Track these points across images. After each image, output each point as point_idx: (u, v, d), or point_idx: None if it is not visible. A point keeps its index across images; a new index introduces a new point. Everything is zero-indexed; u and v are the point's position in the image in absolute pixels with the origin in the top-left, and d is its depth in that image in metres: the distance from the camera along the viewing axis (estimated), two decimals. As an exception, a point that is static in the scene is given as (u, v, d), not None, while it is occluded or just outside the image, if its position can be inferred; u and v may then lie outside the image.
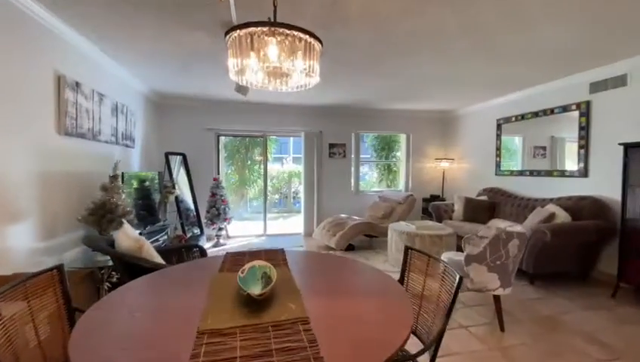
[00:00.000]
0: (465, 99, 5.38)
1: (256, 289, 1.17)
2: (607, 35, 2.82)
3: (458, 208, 5.08)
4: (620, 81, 3.53)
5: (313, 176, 6.09)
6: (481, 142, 5.69)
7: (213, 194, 5.23)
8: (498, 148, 5.31)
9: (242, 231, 6.26)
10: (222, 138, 6.06)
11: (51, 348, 1.22)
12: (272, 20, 1.19)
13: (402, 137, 6.88)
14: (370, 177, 8.84)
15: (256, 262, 1.35)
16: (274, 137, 9.03)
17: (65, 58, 2.81)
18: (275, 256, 1.73)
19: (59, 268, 1.33)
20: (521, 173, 4.90)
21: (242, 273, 1.26)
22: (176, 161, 5.31)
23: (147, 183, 4.14)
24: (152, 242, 3.77)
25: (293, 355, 0.83)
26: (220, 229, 5.29)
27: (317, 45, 1.22)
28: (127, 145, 4.05)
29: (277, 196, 10.28)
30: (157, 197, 4.38)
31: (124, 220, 2.35)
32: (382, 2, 2.26)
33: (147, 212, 4.00)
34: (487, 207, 4.93)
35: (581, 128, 3.97)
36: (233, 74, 1.30)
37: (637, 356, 2.22)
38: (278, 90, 1.46)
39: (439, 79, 4.20)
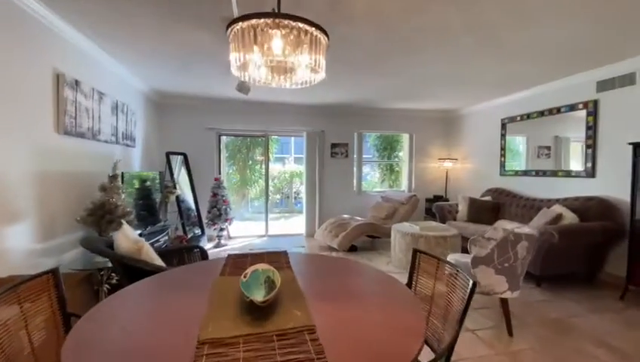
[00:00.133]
0: (469, 98, 5.32)
1: (259, 295, 1.11)
2: (615, 33, 2.76)
3: (462, 209, 5.02)
4: (629, 80, 3.47)
5: (315, 176, 6.04)
6: (486, 142, 5.62)
7: (215, 195, 5.18)
8: (503, 148, 5.24)
9: (243, 232, 6.21)
10: (223, 138, 6.01)
11: (45, 356, 1.17)
12: (277, 11, 1.13)
13: (405, 137, 6.82)
14: (372, 177, 8.79)
15: (259, 266, 1.30)
16: (275, 137, 8.99)
17: (64, 56, 2.77)
18: (278, 258, 1.67)
19: (54, 271, 1.28)
20: (525, 173, 4.83)
21: (245, 277, 1.21)
22: (177, 161, 5.27)
23: (148, 183, 4.10)
24: (152, 243, 3.74)
25: (299, 368, 0.78)
26: (222, 230, 5.25)
27: (323, 38, 1.17)
28: (127, 145, 4.01)
29: (278, 196, 10.24)
30: (158, 197, 4.33)
31: (123, 221, 2.30)
32: (386, 0, 2.21)
33: (148, 212, 3.96)
34: (492, 207, 4.86)
35: (588, 128, 3.90)
36: (235, 69, 1.25)
37: (649, 361, 2.16)
38: (281, 87, 1.41)
39: (443, 78, 4.15)
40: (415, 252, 1.57)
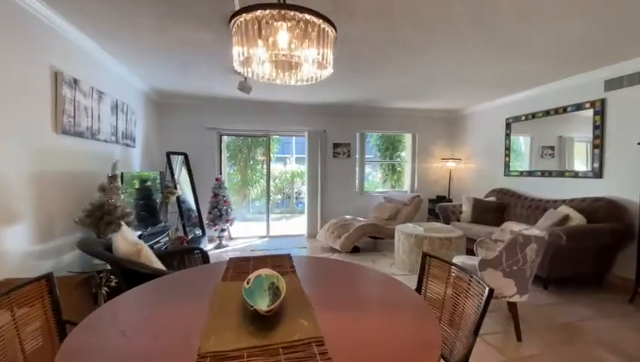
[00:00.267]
0: (473, 98, 5.25)
1: (263, 304, 1.05)
2: (623, 31, 2.71)
3: (466, 209, 4.95)
4: (637, 79, 3.40)
5: (317, 177, 5.98)
6: (490, 142, 5.55)
7: (215, 195, 5.12)
8: (507, 148, 5.17)
9: (245, 233, 6.16)
10: (224, 137, 5.95)
11: (39, 366, 1.11)
12: (282, 1, 1.07)
13: (407, 137, 6.75)
14: (373, 177, 8.73)
15: (263, 271, 1.24)
16: (276, 137, 8.93)
17: (62, 54, 2.71)
18: (281, 262, 1.61)
19: (48, 277, 1.22)
20: (530, 173, 4.76)
21: (248, 283, 1.15)
22: (177, 161, 5.21)
23: (148, 183, 4.05)
24: (153, 244, 3.69)
25: (308, 385, 0.72)
26: (222, 230, 5.19)
27: (331, 31, 1.10)
28: (127, 145, 3.95)
29: (279, 196, 10.18)
30: (158, 197, 4.28)
31: (122, 222, 2.25)
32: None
33: (148, 213, 3.90)
34: (496, 208, 4.80)
35: (595, 127, 3.84)
36: (238, 64, 1.19)
37: (664, 368, 2.10)
38: (285, 84, 1.35)
39: (448, 78, 4.08)
40: (425, 256, 1.51)
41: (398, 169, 8.00)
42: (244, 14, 1.04)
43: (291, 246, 5.26)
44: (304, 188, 6.24)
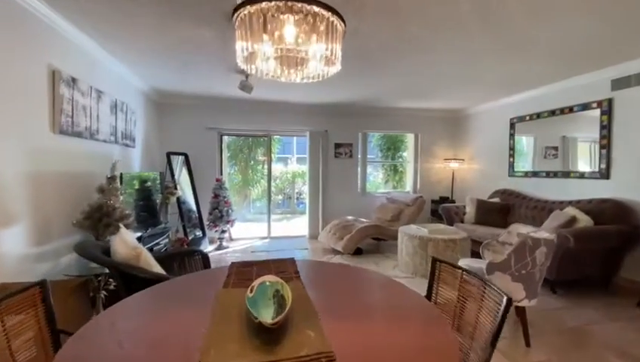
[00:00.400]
0: (477, 97, 5.19)
1: (268, 314, 0.99)
2: (631, 30, 2.65)
3: (470, 210, 4.89)
4: (646, 78, 3.34)
5: (318, 177, 5.92)
6: (493, 142, 5.49)
7: (216, 196, 5.06)
8: (511, 149, 5.11)
9: (245, 233, 6.10)
10: (225, 137, 5.90)
11: (31, 379, 1.05)
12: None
13: (409, 137, 6.70)
14: (375, 178, 8.67)
15: (267, 278, 1.18)
16: (277, 137, 8.88)
17: (60, 52, 2.66)
18: (285, 267, 1.55)
19: (41, 284, 1.16)
20: (535, 174, 4.70)
21: (251, 292, 1.09)
22: (178, 161, 5.16)
23: (148, 184, 3.99)
24: (153, 245, 3.64)
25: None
26: (223, 232, 5.13)
27: (340, 25, 1.04)
28: (127, 145, 3.90)
29: (280, 197, 10.13)
30: (158, 198, 4.23)
31: (121, 225, 2.19)
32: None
33: (148, 213, 3.85)
34: (501, 209, 4.74)
35: (602, 127, 3.77)
36: (241, 60, 1.13)
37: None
38: (290, 81, 1.28)
39: (453, 77, 4.02)
40: (435, 261, 1.44)
41: (400, 169, 7.94)
42: (249, 7, 0.98)
43: (293, 248, 5.20)
44: (305, 189, 6.18)
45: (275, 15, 0.95)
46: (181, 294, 1.32)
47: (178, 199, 4.74)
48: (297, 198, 10.11)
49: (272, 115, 5.71)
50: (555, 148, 4.53)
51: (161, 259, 2.38)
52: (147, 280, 1.68)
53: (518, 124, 5.00)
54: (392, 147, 8.09)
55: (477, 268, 2.55)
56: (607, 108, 3.72)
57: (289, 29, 0.99)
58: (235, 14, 1.06)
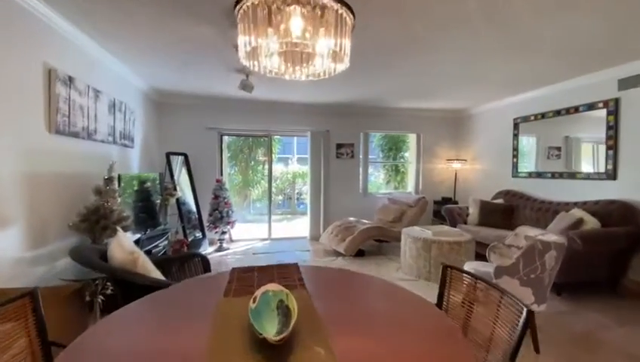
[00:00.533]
0: (481, 97, 5.13)
1: (272, 327, 0.93)
2: (638, 28, 2.58)
3: (473, 212, 4.82)
4: (654, 77, 3.27)
5: (320, 178, 5.85)
6: (497, 143, 5.42)
7: (216, 197, 5.00)
8: (515, 149, 5.05)
9: (246, 235, 6.03)
10: (225, 137, 5.83)
11: (19, 395, 0.99)
12: (296, -17, 0.95)
13: (411, 137, 6.63)
14: (376, 178, 8.60)
15: (270, 287, 1.12)
16: (278, 137, 8.81)
17: (56, 50, 2.59)
18: (288, 273, 1.49)
19: (32, 293, 1.10)
20: (540, 174, 4.63)
21: (254, 302, 1.02)
22: (177, 162, 5.09)
23: (147, 185, 3.92)
24: (152, 248, 3.57)
25: None
26: (223, 233, 5.06)
27: (349, 19, 0.98)
28: (125, 145, 3.83)
29: (280, 197, 10.06)
30: (157, 199, 4.16)
31: (118, 228, 2.12)
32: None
33: (147, 215, 3.78)
34: (504, 210, 4.67)
35: (609, 127, 3.71)
36: (243, 55, 1.06)
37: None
38: (295, 79, 1.22)
39: (458, 76, 3.96)
40: (445, 268, 1.38)
41: (402, 170, 7.88)
42: (252, -2, 0.92)
43: (294, 249, 5.13)
44: (305, 189, 6.13)
45: (281, 7, 0.88)
46: (180, 303, 1.26)
47: (178, 200, 4.67)
48: (298, 199, 10.05)
49: (273, 114, 5.64)
50: (558, 149, 4.48)
51: (159, 263, 2.32)
52: (145, 287, 1.62)
53: (522, 124, 4.93)
54: (393, 147, 8.03)
55: (484, 271, 2.49)
56: (613, 108, 3.65)
57: (296, 21, 0.92)
58: (238, 6, 1.00)
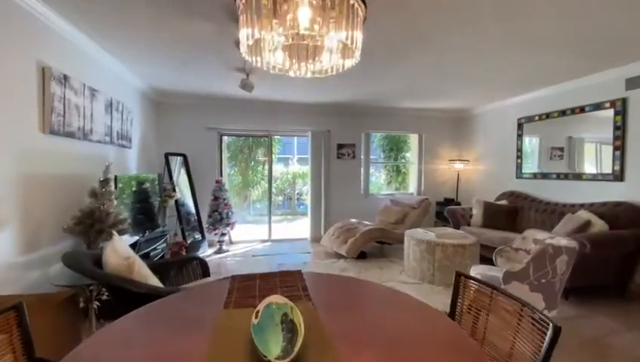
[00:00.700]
0: (484, 96, 5.05)
1: (277, 345, 0.85)
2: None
3: (477, 213, 4.75)
4: (662, 77, 3.20)
5: (320, 178, 5.77)
6: (500, 143, 5.35)
7: (216, 198, 4.92)
8: (519, 150, 4.97)
9: (246, 236, 5.95)
10: (224, 138, 5.75)
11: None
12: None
13: (412, 137, 6.56)
14: (377, 178, 8.52)
15: (273, 299, 1.04)
16: (278, 137, 8.73)
17: (50, 48, 2.51)
18: (292, 281, 1.41)
19: (17, 307, 1.02)
20: (545, 175, 4.56)
21: (256, 317, 0.95)
22: (176, 162, 5.01)
23: (145, 186, 3.84)
24: (150, 250, 3.49)
25: None
26: (223, 235, 4.98)
27: (361, 9, 0.90)
28: (123, 146, 3.75)
29: (280, 198, 9.98)
30: (156, 200, 4.08)
31: (114, 231, 2.04)
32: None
33: (145, 216, 3.71)
34: (509, 212, 4.60)
35: (616, 128, 3.64)
36: (245, 49, 0.98)
37: None
38: (299, 76, 1.14)
39: (463, 75, 3.88)
40: (459, 276, 1.30)
41: (403, 170, 7.80)
42: (255, -14, 0.84)
43: (294, 251, 5.06)
44: (305, 189, 6.05)
45: (287, -5, 0.81)
46: (177, 315, 1.18)
47: (176, 201, 4.59)
48: (298, 199, 9.97)
49: (273, 114, 5.57)
50: (561, 150, 4.42)
51: (157, 267, 2.25)
52: (140, 295, 1.54)
53: (527, 125, 4.86)
54: (394, 148, 7.96)
55: (491, 276, 2.42)
56: (621, 108, 3.58)
57: (304, 11, 0.84)
58: (239, -5, 0.92)
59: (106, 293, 2.31)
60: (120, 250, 1.78)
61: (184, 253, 4.34)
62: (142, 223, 3.57)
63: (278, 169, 10.00)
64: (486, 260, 3.83)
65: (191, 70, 3.75)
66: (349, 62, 1.05)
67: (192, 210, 5.12)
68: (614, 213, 3.39)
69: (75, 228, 2.26)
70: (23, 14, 2.20)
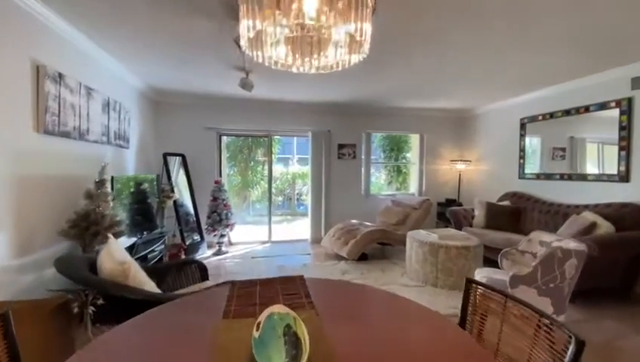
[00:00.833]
0: (486, 96, 5.00)
1: (279, 360, 0.79)
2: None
3: (479, 214, 4.69)
4: (669, 76, 3.15)
5: (321, 179, 5.71)
6: (502, 143, 5.30)
7: (215, 199, 4.85)
8: (522, 150, 4.92)
9: (245, 237, 5.88)
10: (224, 137, 5.68)
11: None
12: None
13: (413, 137, 6.50)
14: (377, 179, 8.46)
15: (275, 309, 0.98)
16: (277, 137, 8.66)
17: (45, 45, 2.45)
18: (294, 287, 1.35)
19: (2, 316, 0.96)
20: (549, 176, 4.50)
21: (257, 329, 0.89)
22: (175, 163, 4.95)
23: (143, 187, 3.78)
24: (148, 252, 3.43)
25: None
26: (222, 236, 4.92)
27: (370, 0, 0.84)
28: (120, 146, 3.68)
29: (280, 198, 9.91)
30: (154, 201, 4.01)
31: (109, 235, 1.98)
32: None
33: (143, 218, 3.64)
34: (511, 212, 4.55)
35: (622, 128, 3.58)
36: (245, 41, 0.92)
37: None
38: (303, 72, 1.08)
39: (466, 74, 3.82)
40: (469, 283, 1.24)
41: (404, 170, 7.74)
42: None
43: (295, 253, 5.00)
44: (305, 190, 5.98)
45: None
46: (173, 326, 1.11)
47: (175, 202, 4.53)
48: (297, 200, 9.90)
49: (273, 114, 5.50)
50: (563, 150, 4.38)
51: (154, 271, 2.19)
52: (136, 301, 1.48)
53: (529, 125, 4.81)
54: (395, 148, 7.90)
55: (497, 280, 2.37)
56: (626, 108, 3.53)
57: (309, 0, 0.78)
58: (239, -17, 0.86)
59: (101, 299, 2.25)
60: (115, 255, 1.71)
61: (183, 255, 4.28)
62: (140, 225, 3.51)
63: (277, 169, 9.94)
64: (489, 262, 3.77)
65: (190, 69, 3.69)
66: (356, 58, 0.99)
67: (191, 210, 5.05)
68: (620, 215, 3.34)
69: (69, 231, 2.20)
70: (16, 11, 2.14)
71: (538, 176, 4.68)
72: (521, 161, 4.95)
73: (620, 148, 3.60)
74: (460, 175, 6.06)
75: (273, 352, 0.83)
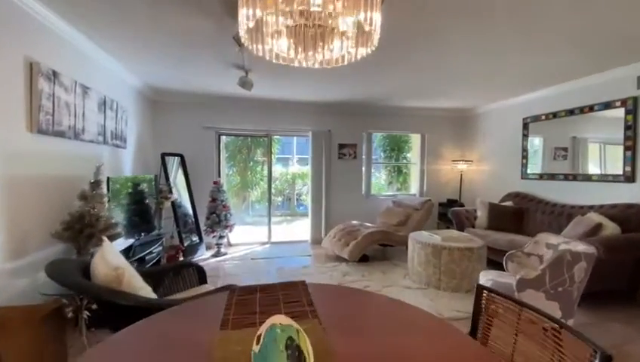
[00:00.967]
0: (488, 95, 4.94)
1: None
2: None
3: (481, 215, 4.64)
4: (676, 74, 3.09)
5: (321, 179, 5.65)
6: (505, 143, 5.24)
7: (214, 199, 4.79)
8: (525, 150, 4.86)
9: (244, 238, 5.81)
10: (223, 137, 5.62)
11: None
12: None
13: (414, 137, 6.45)
14: (377, 179, 8.40)
15: (276, 319, 0.91)
16: (277, 137, 8.60)
17: (39, 42, 2.38)
18: (296, 294, 1.29)
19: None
20: (553, 176, 4.44)
21: (257, 343, 0.82)
22: (173, 163, 4.88)
23: (140, 187, 3.71)
24: (145, 254, 3.36)
25: None
26: (221, 237, 4.85)
27: (380, -14, 0.78)
28: (117, 146, 3.62)
29: (280, 199, 9.85)
30: (152, 202, 3.95)
31: (104, 237, 1.91)
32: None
33: (140, 219, 3.57)
34: (514, 213, 4.49)
35: (627, 127, 3.53)
36: (245, 32, 0.85)
37: None
38: (306, 66, 1.01)
39: (468, 73, 3.77)
40: (481, 290, 1.18)
41: (404, 170, 7.69)
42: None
43: (295, 254, 4.93)
44: (305, 190, 5.92)
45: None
46: (168, 338, 1.04)
47: (173, 203, 4.46)
48: (297, 200, 9.84)
49: (273, 113, 5.44)
50: (565, 150, 4.33)
51: (150, 274, 2.12)
52: (130, 308, 1.42)
53: (532, 124, 4.75)
54: (395, 148, 7.84)
55: (504, 283, 2.31)
56: (632, 107, 3.47)
57: (314, -15, 0.72)
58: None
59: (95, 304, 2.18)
60: (109, 259, 1.65)
61: (181, 257, 4.21)
62: (137, 226, 3.44)
63: (277, 169, 9.88)
64: (492, 263, 3.71)
65: (188, 67, 3.63)
66: (363, 50, 0.93)
67: (190, 211, 4.98)
68: (626, 216, 3.28)
69: (63, 233, 2.13)
70: (8, 6, 2.07)
71: (541, 177, 4.62)
72: (524, 161, 4.89)
73: (626, 148, 3.55)
74: (461, 175, 6.00)
75: (273, 360, 0.77)
